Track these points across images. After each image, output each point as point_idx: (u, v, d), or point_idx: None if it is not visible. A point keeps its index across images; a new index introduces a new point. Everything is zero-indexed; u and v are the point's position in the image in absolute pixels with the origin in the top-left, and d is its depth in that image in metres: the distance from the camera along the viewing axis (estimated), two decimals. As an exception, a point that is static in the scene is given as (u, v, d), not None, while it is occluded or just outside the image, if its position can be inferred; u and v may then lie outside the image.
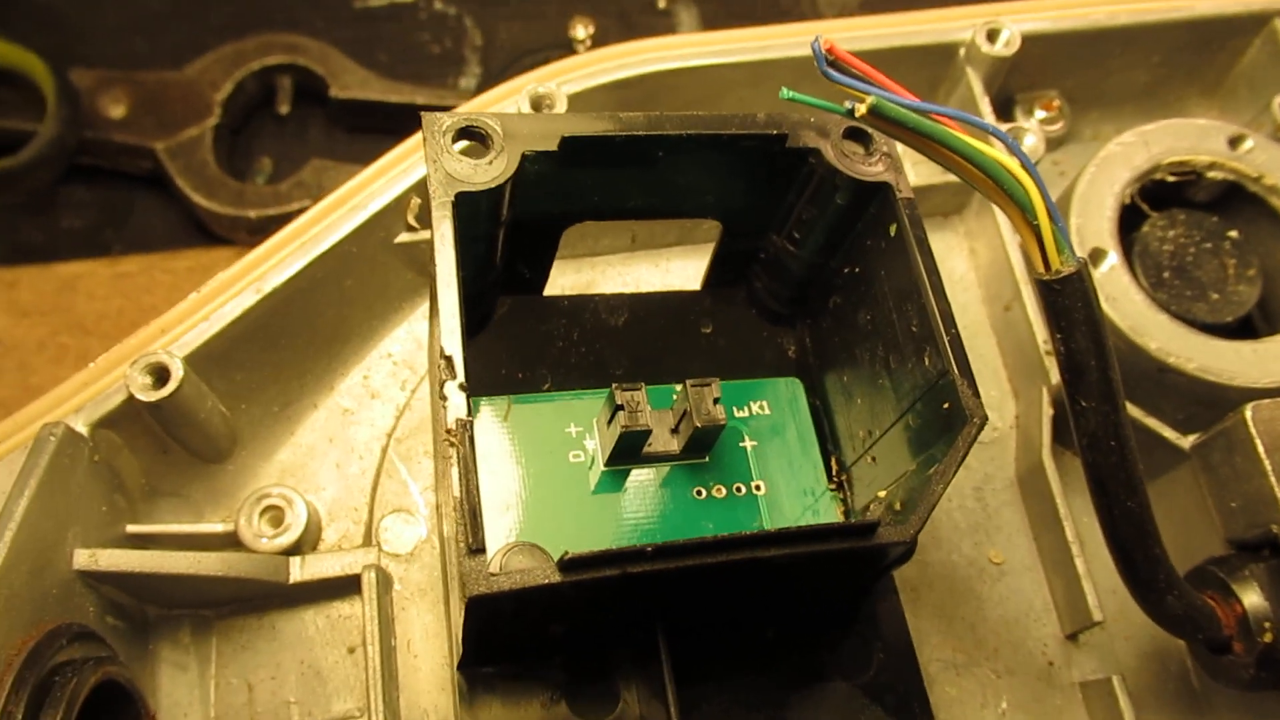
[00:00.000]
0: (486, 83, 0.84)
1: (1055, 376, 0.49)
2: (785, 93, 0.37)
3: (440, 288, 0.34)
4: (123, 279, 0.78)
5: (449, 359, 0.32)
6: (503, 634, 0.35)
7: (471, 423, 0.31)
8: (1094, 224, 0.49)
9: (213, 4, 0.86)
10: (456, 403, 0.32)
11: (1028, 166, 0.36)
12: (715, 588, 0.35)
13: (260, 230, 0.76)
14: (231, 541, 0.46)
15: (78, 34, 0.83)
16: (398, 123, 0.81)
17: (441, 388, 0.32)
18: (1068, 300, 0.37)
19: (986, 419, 0.36)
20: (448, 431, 0.31)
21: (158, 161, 0.76)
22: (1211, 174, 0.51)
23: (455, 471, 0.31)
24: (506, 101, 0.50)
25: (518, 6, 0.90)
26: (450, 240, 0.34)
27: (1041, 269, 0.37)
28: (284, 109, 0.81)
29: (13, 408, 0.75)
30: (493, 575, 0.30)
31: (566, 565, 0.30)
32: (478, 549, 0.30)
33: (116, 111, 0.78)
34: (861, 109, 0.35)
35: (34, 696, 0.34)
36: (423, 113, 0.36)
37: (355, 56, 0.81)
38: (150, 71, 0.79)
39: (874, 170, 0.40)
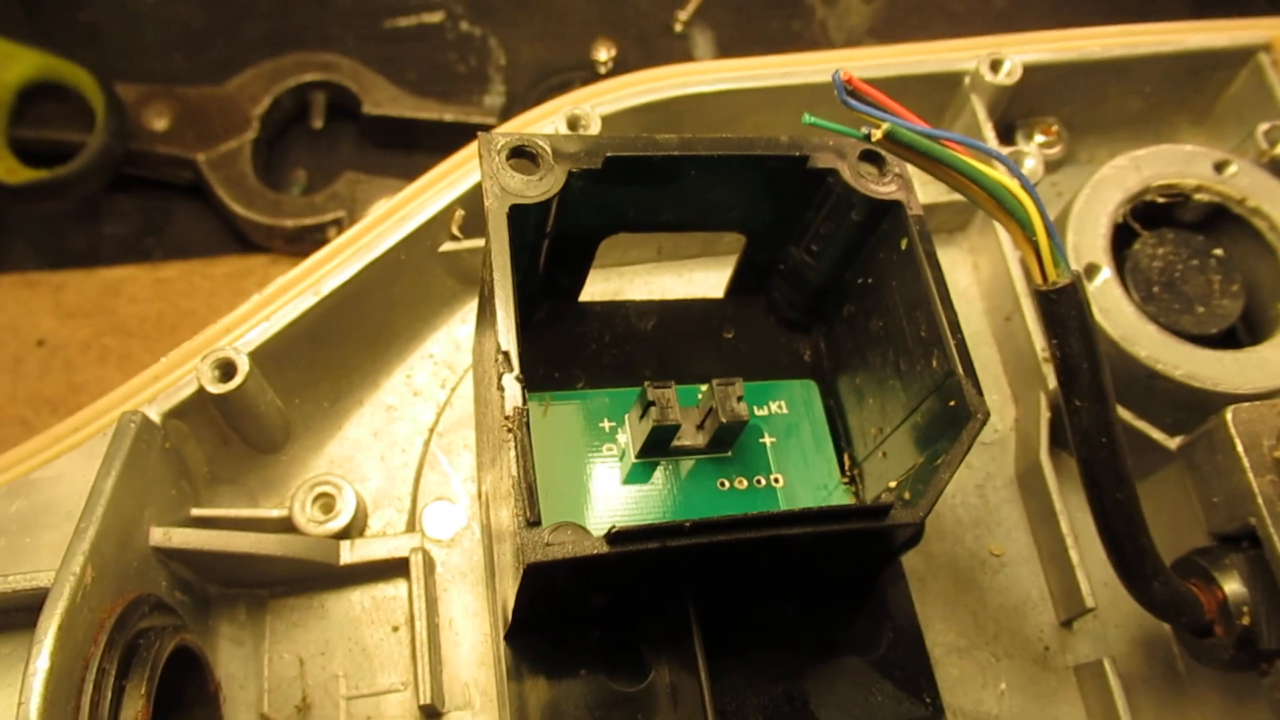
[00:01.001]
0: (511, 100, 0.88)
1: (1052, 382, 0.53)
2: (807, 118, 0.41)
3: (497, 290, 0.37)
4: (163, 284, 0.81)
5: (506, 354, 0.36)
6: (549, 604, 0.38)
7: (527, 410, 0.35)
8: (1089, 241, 0.53)
9: (249, 23, 0.90)
10: (513, 392, 0.35)
11: (1027, 187, 0.40)
12: (742, 563, 0.39)
13: (296, 239, 0.79)
14: (285, 526, 0.50)
15: (122, 52, 0.87)
16: (426, 138, 0.85)
17: (500, 380, 0.36)
18: (1063, 309, 0.40)
19: (989, 414, 0.39)
20: (505, 418, 0.35)
21: (198, 172, 0.80)
22: (1198, 196, 0.55)
23: (513, 454, 0.34)
24: (544, 121, 0.54)
25: (540, 28, 0.94)
26: (506, 248, 0.38)
27: (1040, 281, 0.41)
28: (318, 124, 0.85)
29: (58, 405, 0.79)
30: (548, 545, 0.33)
31: (614, 538, 0.34)
32: (535, 522, 0.33)
33: (160, 124, 0.81)
34: (877, 134, 0.39)
35: (124, 656, 0.38)
36: (479, 132, 0.40)
37: (385, 74, 0.85)
38: (192, 87, 0.83)
39: (887, 190, 0.44)
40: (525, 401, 0.35)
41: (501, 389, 0.36)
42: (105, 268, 0.81)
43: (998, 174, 0.40)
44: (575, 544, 0.33)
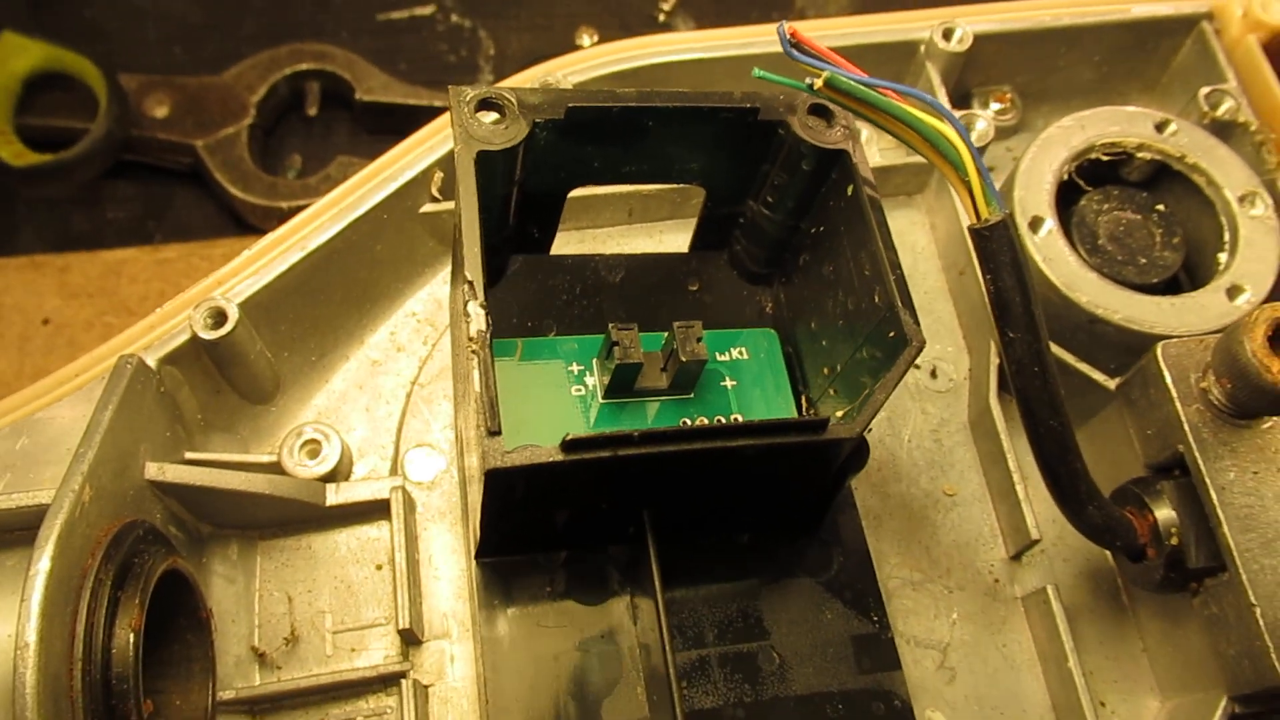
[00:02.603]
0: (498, 88, 0.91)
1: (1001, 330, 0.55)
2: (757, 72, 0.44)
3: (464, 226, 0.40)
4: (163, 265, 0.84)
5: (471, 284, 0.39)
6: (514, 519, 0.41)
7: (489, 333, 0.38)
8: (1035, 196, 0.56)
9: (247, 18, 0.93)
10: (477, 316, 0.38)
11: (959, 129, 0.43)
12: (694, 478, 0.41)
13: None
14: (275, 470, 0.52)
15: (124, 45, 0.90)
16: (416, 124, 0.86)
17: (465, 306, 0.39)
18: (994, 245, 0.43)
19: (924, 342, 0.42)
20: (470, 339, 0.38)
21: (197, 157, 0.83)
22: (1140, 154, 0.57)
23: (476, 372, 0.37)
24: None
25: (528, 19, 0.97)
26: (473, 187, 0.41)
27: (974, 219, 0.44)
28: (312, 111, 0.87)
29: (63, 380, 0.82)
30: (508, 452, 0.36)
31: (568, 445, 0.36)
32: (495, 431, 0.36)
33: (160, 112, 0.84)
34: (818, 83, 0.42)
35: (119, 571, 0.41)
36: (450, 86, 0.43)
37: (378, 64, 0.88)
38: (191, 76, 0.86)
39: (834, 139, 0.47)
40: (489, 326, 0.38)
41: (467, 315, 0.38)
42: (108, 250, 0.84)
43: (930, 118, 0.43)
44: (533, 452, 0.36)
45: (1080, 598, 0.53)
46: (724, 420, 0.50)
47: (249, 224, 0.84)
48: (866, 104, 0.43)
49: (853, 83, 0.42)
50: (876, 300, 0.44)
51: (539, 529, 0.43)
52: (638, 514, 0.43)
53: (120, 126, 0.81)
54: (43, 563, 0.36)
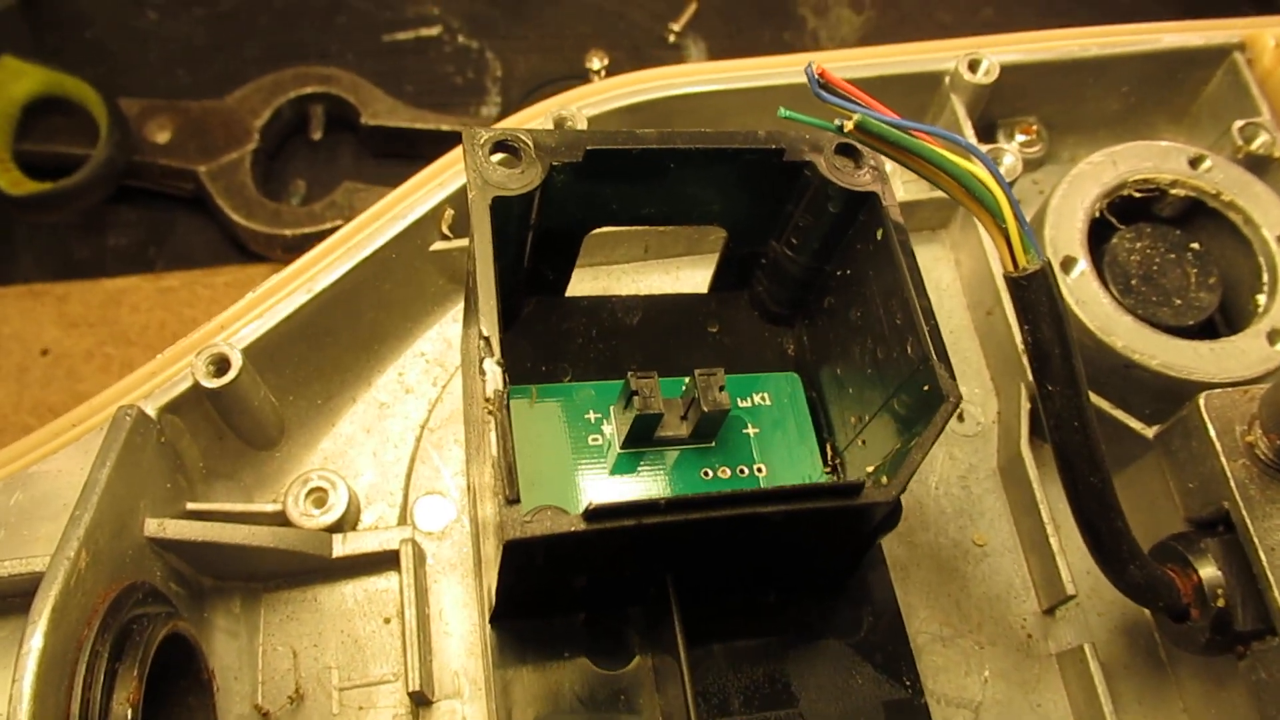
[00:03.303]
0: (507, 111, 0.90)
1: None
2: (783, 111, 0.42)
3: (479, 278, 0.38)
4: (165, 293, 0.83)
5: (487, 340, 0.37)
6: (532, 585, 0.39)
7: (507, 393, 0.36)
8: (1066, 235, 0.54)
9: (250, 40, 0.92)
10: (494, 376, 0.36)
11: (995, 175, 0.41)
12: (720, 543, 0.39)
13: (295, 248, 0.80)
14: (279, 520, 0.51)
15: (125, 68, 0.89)
16: (423, 148, 0.86)
17: (480, 364, 0.37)
18: (1033, 295, 0.41)
19: (960, 397, 0.40)
20: (486, 400, 0.36)
21: (199, 183, 0.81)
22: (1174, 191, 0.56)
23: (494, 435, 0.35)
24: (534, 122, 0.55)
25: (535, 40, 0.96)
26: (489, 237, 0.39)
27: (1010, 267, 0.42)
28: (317, 135, 0.86)
29: (61, 412, 0.80)
30: (527, 522, 0.34)
31: (591, 515, 0.34)
32: (514, 500, 0.34)
33: (162, 137, 0.83)
34: (849, 125, 0.40)
35: (116, 640, 0.39)
36: (464, 128, 0.41)
37: (384, 86, 0.87)
38: (194, 100, 0.85)
39: (863, 181, 0.45)
40: (506, 385, 0.36)
41: (483, 373, 0.37)
42: (108, 278, 0.82)
43: (967, 163, 0.41)
44: (554, 521, 0.34)
45: (1116, 654, 0.51)
46: (746, 470, 0.48)
47: (252, 251, 0.82)
48: (898, 147, 0.41)
49: (885, 125, 0.40)
50: (909, 351, 0.43)
51: (557, 593, 0.41)
52: (660, 576, 0.41)
53: (121, 152, 0.80)
54: (35, 640, 0.34)
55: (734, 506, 0.36)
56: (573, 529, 0.34)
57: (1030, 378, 0.53)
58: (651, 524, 0.35)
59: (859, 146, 0.45)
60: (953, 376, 0.41)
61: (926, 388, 0.41)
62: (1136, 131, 0.64)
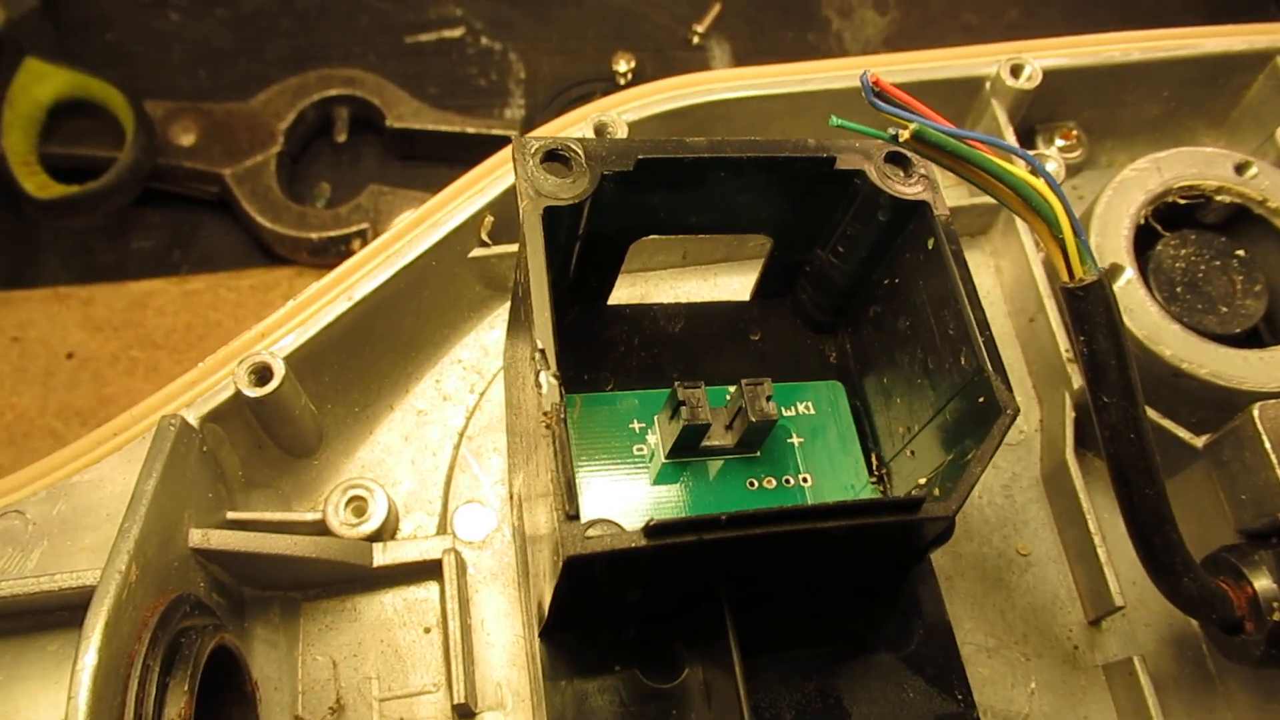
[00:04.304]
0: (531, 112, 0.89)
1: (1077, 382, 0.53)
2: (834, 120, 0.41)
3: (533, 291, 0.38)
4: (190, 296, 0.82)
5: (543, 352, 0.37)
6: (586, 599, 0.39)
7: (564, 405, 0.36)
8: (1112, 243, 0.53)
9: (273, 42, 0.91)
10: (551, 389, 0.36)
11: (1053, 185, 0.40)
12: (776, 557, 0.39)
13: (320, 251, 0.80)
14: (319, 529, 0.50)
15: (149, 71, 0.88)
16: (448, 150, 0.85)
17: (537, 377, 0.36)
18: (1090, 306, 0.41)
19: (1019, 409, 0.40)
20: (544, 414, 0.35)
21: (224, 186, 0.81)
22: (1219, 197, 0.55)
23: (553, 449, 0.35)
24: (573, 129, 0.54)
25: (559, 42, 0.95)
26: (542, 250, 0.39)
27: (1066, 278, 0.41)
28: (341, 137, 0.86)
29: (87, 416, 0.80)
30: (588, 538, 0.34)
31: (652, 531, 0.34)
32: (574, 515, 0.34)
33: (187, 140, 0.83)
34: (905, 134, 0.40)
35: (167, 654, 0.38)
36: (514, 136, 0.41)
37: (408, 89, 0.86)
38: (218, 103, 0.84)
39: (913, 190, 0.44)
40: (562, 398, 0.36)
41: (539, 386, 0.36)
42: (133, 281, 0.82)
43: (1025, 174, 0.40)
44: (614, 537, 0.34)
45: (1164, 665, 0.51)
46: (791, 480, 0.48)
47: (277, 254, 0.82)
48: (955, 156, 0.40)
49: (943, 135, 0.40)
50: (963, 362, 0.42)
51: (610, 607, 0.40)
52: (713, 589, 0.41)
53: (147, 156, 0.80)
54: (89, 656, 0.34)
55: (795, 522, 0.35)
56: (634, 545, 0.34)
57: (1075, 386, 0.53)
58: (712, 539, 0.35)
59: (909, 155, 0.45)
60: (1009, 388, 0.40)
61: (982, 399, 0.41)
62: (1176, 137, 0.64)
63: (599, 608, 0.40)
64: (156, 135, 0.81)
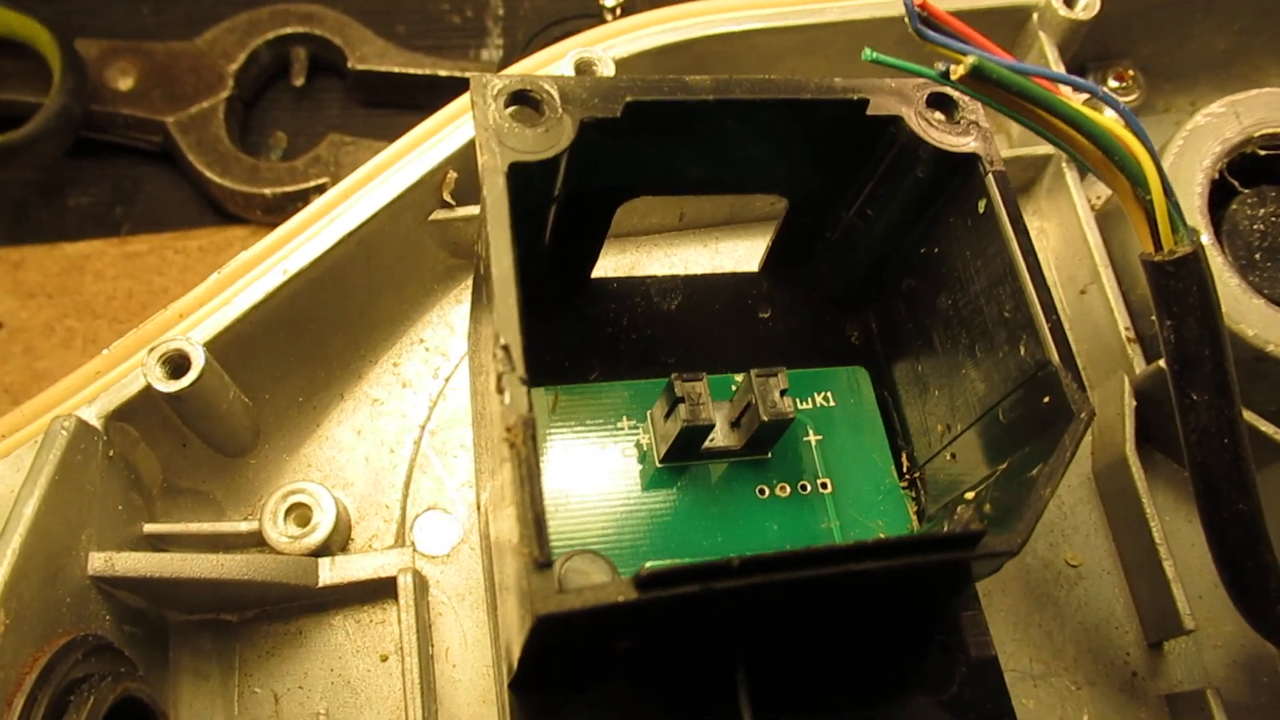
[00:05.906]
0: (511, 54, 0.81)
1: (1139, 365, 0.46)
2: (868, 53, 0.33)
3: (494, 269, 0.30)
4: (132, 259, 0.75)
5: (506, 348, 0.29)
6: (564, 652, 0.32)
7: (533, 419, 0.28)
8: (1183, 202, 0.46)
9: (223, -27, 0.83)
10: (516, 397, 0.28)
11: (1142, 137, 0.33)
12: (799, 602, 0.32)
13: (276, 208, 0.73)
14: (255, 541, 0.44)
15: (82, 5, 0.80)
16: (418, 96, 0.78)
17: (499, 380, 0.29)
18: (1181, 284, 0.34)
19: (1094, 413, 0.32)
20: (506, 430, 0.28)
21: (168, 136, 0.74)
22: (1308, 148, 0.47)
23: (517, 476, 0.27)
24: (551, 67, 0.46)
25: (541, -27, 0.86)
26: (506, 217, 0.31)
27: (1152, 249, 0.34)
28: (299, 81, 0.78)
29: (19, 394, 0.73)
30: (563, 594, 0.26)
31: (644, 582, 0.27)
32: (544, 564, 0.27)
33: (124, 83, 0.75)
34: (960, 70, 0.32)
35: (49, 718, 0.31)
36: (470, 74, 0.33)
37: (373, 26, 0.79)
38: (160, 42, 0.76)
39: (960, 141, 0.37)
40: (530, 409, 0.28)
41: (502, 391, 0.29)
42: (69, 242, 0.75)
43: (1107, 120, 0.33)
44: (596, 592, 0.27)
45: (1236, 694, 0.44)
46: (808, 486, 0.41)
47: (229, 212, 0.75)
48: (1023, 97, 0.32)
49: (1007, 71, 0.32)
50: (1022, 352, 0.35)
51: (592, 661, 0.33)
52: (721, 638, 0.34)
53: (78, 101, 0.72)
54: (-70, 742, 0.27)
55: (824, 565, 0.28)
56: (621, 599, 0.27)
57: (1136, 370, 0.46)
58: (720, 589, 0.27)
59: (955, 97, 0.37)
60: (1083, 387, 0.33)
61: (1047, 399, 0.34)
62: (1243, 77, 0.56)
63: (578, 661, 0.33)
64: (90, 78, 0.73)
